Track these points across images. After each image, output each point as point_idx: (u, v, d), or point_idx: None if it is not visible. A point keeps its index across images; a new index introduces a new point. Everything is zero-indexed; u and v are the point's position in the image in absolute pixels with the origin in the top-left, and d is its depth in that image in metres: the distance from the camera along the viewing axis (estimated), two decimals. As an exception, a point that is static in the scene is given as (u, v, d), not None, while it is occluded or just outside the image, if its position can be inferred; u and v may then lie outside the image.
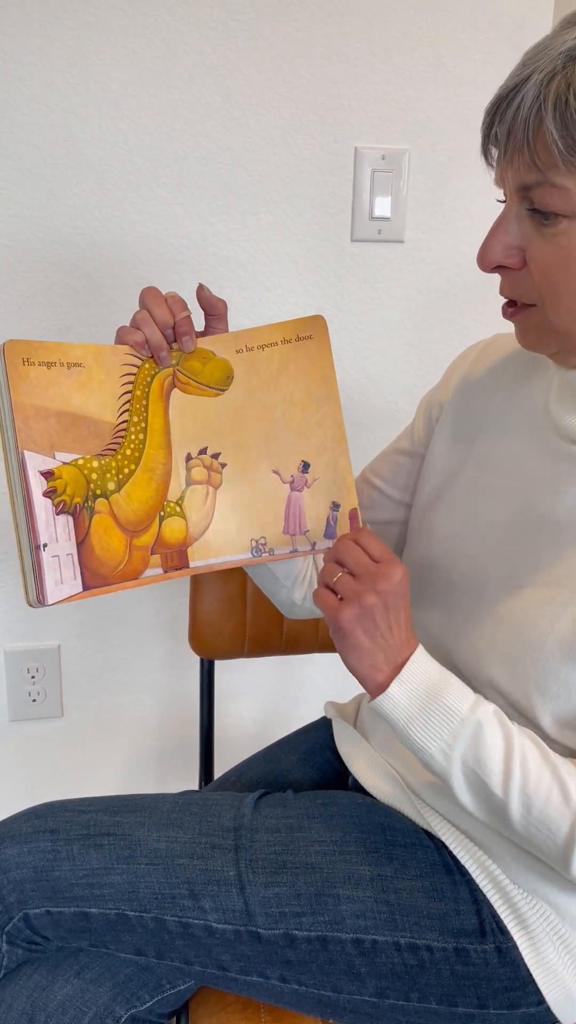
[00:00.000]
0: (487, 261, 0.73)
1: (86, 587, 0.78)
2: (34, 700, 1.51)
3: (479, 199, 1.40)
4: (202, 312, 0.86)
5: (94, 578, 0.78)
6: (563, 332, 0.73)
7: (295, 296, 1.40)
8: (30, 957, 0.87)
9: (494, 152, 0.71)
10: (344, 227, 1.38)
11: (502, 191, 0.73)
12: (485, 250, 0.73)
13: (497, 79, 1.35)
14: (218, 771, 1.30)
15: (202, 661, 1.29)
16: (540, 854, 0.76)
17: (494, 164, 0.72)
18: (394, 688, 0.76)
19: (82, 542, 0.78)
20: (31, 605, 0.76)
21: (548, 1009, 0.81)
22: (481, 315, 1.46)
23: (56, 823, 0.87)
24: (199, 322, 0.85)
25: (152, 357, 0.82)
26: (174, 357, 0.83)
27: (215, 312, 0.85)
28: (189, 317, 0.82)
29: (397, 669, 0.77)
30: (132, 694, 1.56)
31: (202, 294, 0.84)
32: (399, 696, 0.76)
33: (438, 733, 0.75)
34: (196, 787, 1.46)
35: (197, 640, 1.24)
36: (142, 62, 1.26)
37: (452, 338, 1.47)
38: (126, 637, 1.52)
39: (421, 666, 0.77)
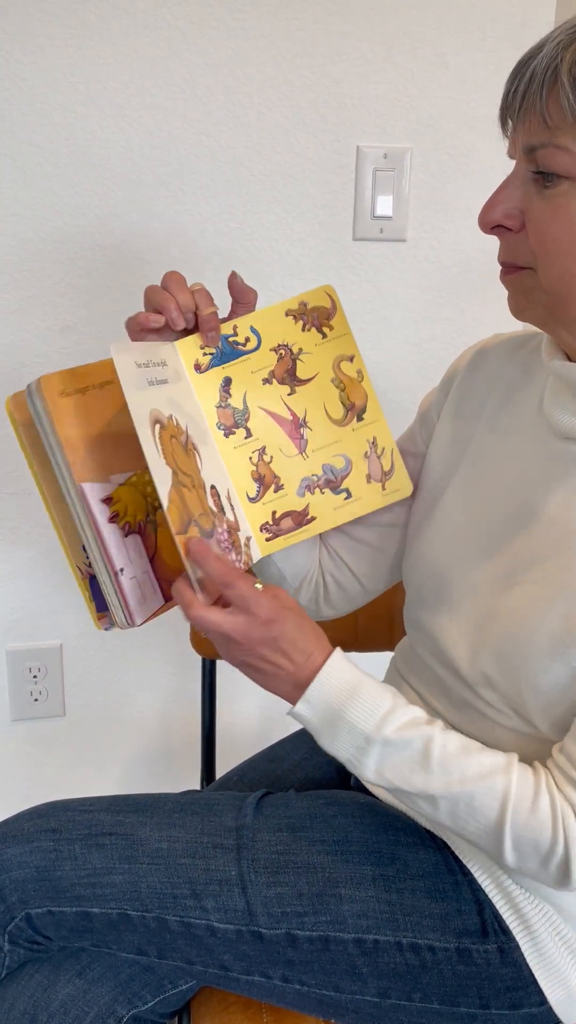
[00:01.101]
0: (487, 220, 0.74)
1: (167, 599, 0.81)
2: (36, 700, 1.51)
3: (481, 197, 1.39)
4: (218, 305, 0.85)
5: (170, 588, 0.80)
6: (552, 295, 0.73)
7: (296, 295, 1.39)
8: (32, 957, 0.86)
9: (509, 121, 0.72)
10: (346, 226, 1.38)
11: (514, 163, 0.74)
12: (487, 209, 0.73)
13: (499, 78, 1.35)
14: (220, 770, 1.30)
15: (204, 660, 1.28)
16: (476, 846, 0.76)
17: (508, 134, 0.73)
18: (300, 707, 0.78)
19: (153, 556, 0.79)
20: (122, 628, 0.78)
21: (550, 1009, 0.81)
22: (483, 314, 1.46)
23: (58, 823, 0.87)
24: (224, 310, 0.85)
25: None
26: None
27: (245, 300, 0.85)
28: (216, 313, 0.82)
29: (303, 688, 0.77)
30: (134, 693, 1.56)
31: (234, 282, 0.84)
32: (306, 713, 0.78)
33: (344, 749, 0.77)
34: (198, 787, 1.46)
35: (199, 639, 1.24)
36: (143, 61, 1.25)
37: (454, 337, 1.46)
38: (128, 636, 1.52)
39: (327, 685, 0.77)
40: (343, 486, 0.90)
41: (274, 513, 0.88)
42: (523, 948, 0.81)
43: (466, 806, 0.74)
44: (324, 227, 1.37)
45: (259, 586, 0.76)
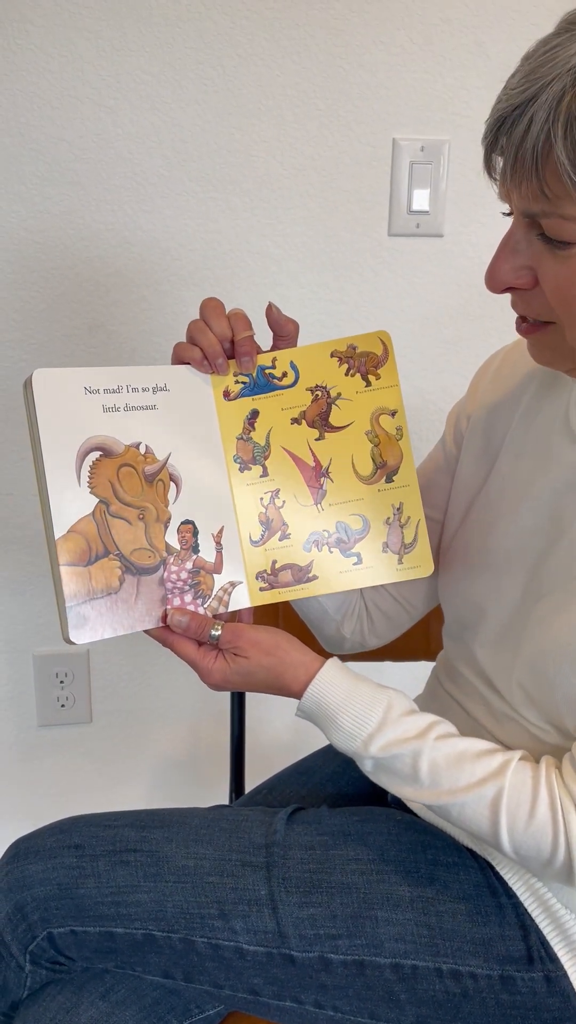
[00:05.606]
0: (496, 283, 0.70)
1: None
2: (63, 705, 1.49)
3: (521, 191, 1.36)
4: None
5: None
6: None
7: (330, 293, 1.36)
8: (54, 978, 0.84)
9: (495, 170, 0.66)
10: (381, 221, 1.35)
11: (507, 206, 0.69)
12: (493, 271, 0.69)
13: (540, 66, 1.31)
14: (250, 779, 1.27)
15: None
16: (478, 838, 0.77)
17: (496, 178, 0.67)
18: (299, 713, 0.80)
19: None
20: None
21: (600, 1044, 0.77)
22: (523, 311, 1.42)
23: (81, 838, 0.84)
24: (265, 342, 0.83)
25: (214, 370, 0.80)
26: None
27: (283, 333, 0.82)
28: (251, 337, 0.79)
29: (298, 695, 0.79)
30: (162, 700, 1.54)
31: (270, 314, 0.81)
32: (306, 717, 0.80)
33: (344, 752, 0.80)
34: (226, 798, 1.43)
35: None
36: (174, 52, 1.23)
37: (492, 336, 1.42)
38: (156, 642, 1.49)
39: (310, 704, 0.78)
40: (354, 549, 0.83)
41: (274, 563, 0.82)
42: (572, 977, 0.77)
43: (458, 814, 0.74)
44: (358, 222, 1.34)
45: (217, 631, 0.79)
